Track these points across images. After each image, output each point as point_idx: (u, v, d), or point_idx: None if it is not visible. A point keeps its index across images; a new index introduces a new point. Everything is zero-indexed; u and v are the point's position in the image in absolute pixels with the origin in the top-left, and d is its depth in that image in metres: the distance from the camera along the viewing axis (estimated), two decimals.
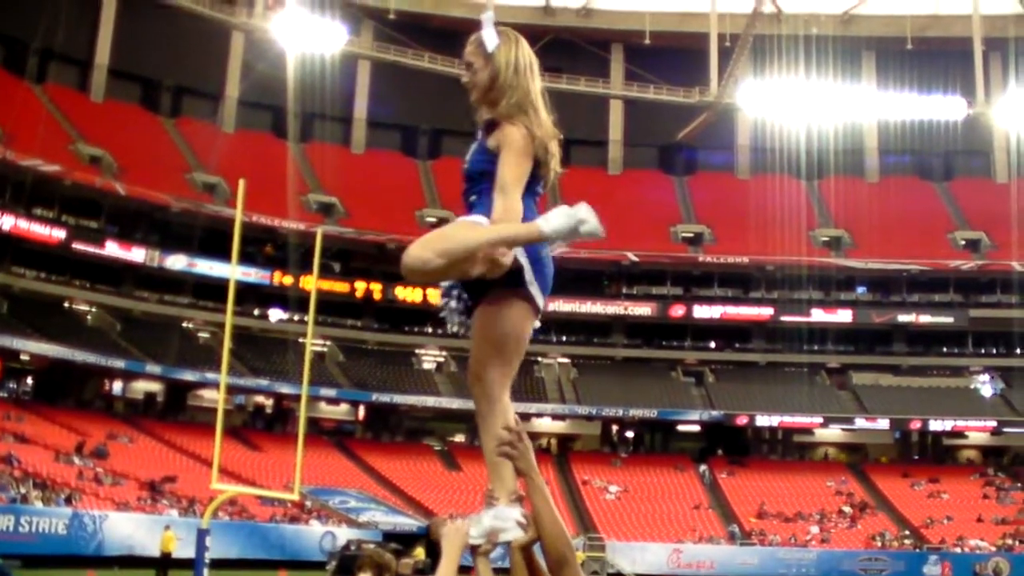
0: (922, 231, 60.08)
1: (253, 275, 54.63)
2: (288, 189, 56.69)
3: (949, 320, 59.23)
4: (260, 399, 57.07)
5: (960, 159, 67.65)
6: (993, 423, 55.56)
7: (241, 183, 25.51)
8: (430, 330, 57.97)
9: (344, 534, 40.32)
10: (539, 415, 56.56)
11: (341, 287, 57.01)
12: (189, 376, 51.44)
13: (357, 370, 57.32)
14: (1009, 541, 46.93)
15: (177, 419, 52.93)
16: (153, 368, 50.77)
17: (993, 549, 46.22)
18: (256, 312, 56.64)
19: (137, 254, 53.48)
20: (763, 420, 56.96)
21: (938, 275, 59.19)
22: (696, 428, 58.96)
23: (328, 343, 58.00)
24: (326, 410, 57.73)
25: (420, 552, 24.91)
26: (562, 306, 54.85)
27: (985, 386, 57.72)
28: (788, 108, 61.02)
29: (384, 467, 52.71)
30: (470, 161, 3.73)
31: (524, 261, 3.53)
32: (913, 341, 60.17)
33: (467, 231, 3.42)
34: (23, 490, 35.57)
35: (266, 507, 42.64)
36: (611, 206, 52.65)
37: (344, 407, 58.63)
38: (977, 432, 57.07)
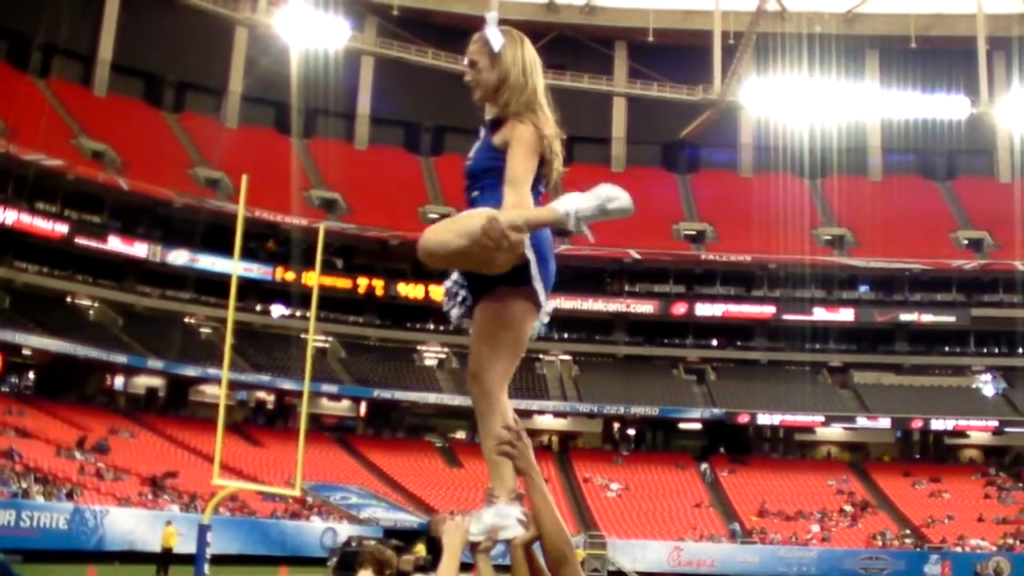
0: (925, 230, 60.05)
1: (255, 271, 54.69)
2: (291, 185, 56.73)
3: (951, 319, 59.20)
4: (262, 395, 57.09)
5: (963, 158, 67.59)
6: (995, 423, 55.54)
7: (244, 179, 25.55)
8: (432, 327, 58.01)
9: (345, 530, 40.33)
10: (540, 412, 56.58)
11: (343, 283, 57.08)
12: (191, 371, 51.46)
13: (359, 366, 57.35)
14: (1010, 541, 46.91)
15: (179, 414, 52.99)
16: (155, 363, 50.79)
17: (994, 549, 46.19)
18: (258, 308, 56.68)
19: (139, 249, 53.49)
20: (764, 418, 56.97)
21: (940, 274, 59.17)
22: (697, 426, 59.00)
23: (330, 339, 58.01)
24: (327, 406, 57.77)
25: (421, 549, 24.89)
26: (564, 303, 54.78)
27: (987, 386, 57.69)
28: (791, 106, 60.99)
29: (385, 463, 52.73)
30: (474, 158, 3.72)
31: (531, 255, 3.52)
32: (915, 340, 60.15)
33: (485, 214, 3.36)
34: (24, 485, 35.61)
35: (267, 503, 42.68)
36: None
37: (345, 403, 58.67)
38: (979, 432, 57.05)
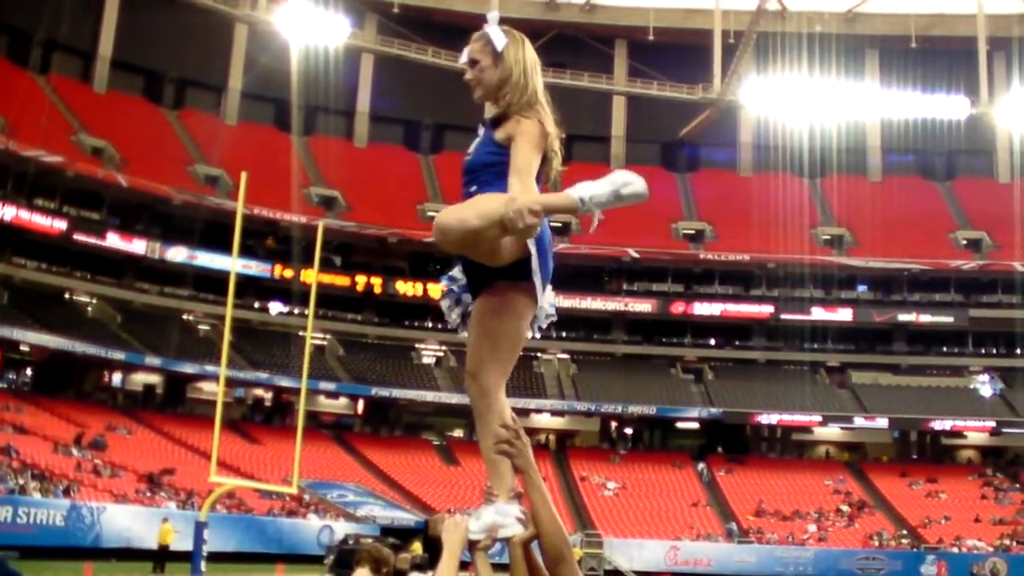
0: (924, 230, 60.06)
1: (254, 268, 54.71)
2: (290, 182, 56.71)
3: (949, 320, 59.21)
4: (259, 392, 57.06)
5: (963, 159, 67.60)
6: (992, 423, 55.53)
7: (243, 176, 25.52)
8: (430, 325, 57.98)
9: (342, 528, 40.30)
10: (538, 411, 56.56)
11: (342, 281, 57.07)
12: (189, 368, 51.43)
13: (356, 364, 57.34)
14: (1007, 541, 46.93)
15: (176, 411, 52.96)
16: (153, 360, 50.76)
17: (991, 549, 46.20)
18: (256, 305, 56.65)
19: (138, 246, 53.44)
20: (762, 418, 56.98)
21: (939, 275, 59.18)
22: (695, 425, 59.01)
23: (328, 337, 58.00)
24: (325, 404, 57.74)
25: (417, 547, 24.91)
26: (562, 302, 53.88)
27: (985, 386, 57.67)
28: (791, 106, 61.01)
29: (383, 461, 52.72)
30: (475, 153, 3.75)
31: (533, 249, 3.53)
32: (913, 340, 60.17)
33: (502, 197, 3.37)
34: (21, 481, 35.58)
35: (264, 500, 42.65)
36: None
37: (343, 401, 58.66)
38: (976, 432, 57.06)
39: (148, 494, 39.80)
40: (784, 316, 58.96)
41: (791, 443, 60.23)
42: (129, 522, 36.02)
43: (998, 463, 56.73)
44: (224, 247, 43.40)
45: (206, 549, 27.65)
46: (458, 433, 58.31)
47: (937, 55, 63.36)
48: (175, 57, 61.60)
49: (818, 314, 58.85)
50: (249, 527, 39.94)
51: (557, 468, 53.97)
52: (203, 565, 27.37)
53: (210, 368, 48.03)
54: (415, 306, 57.77)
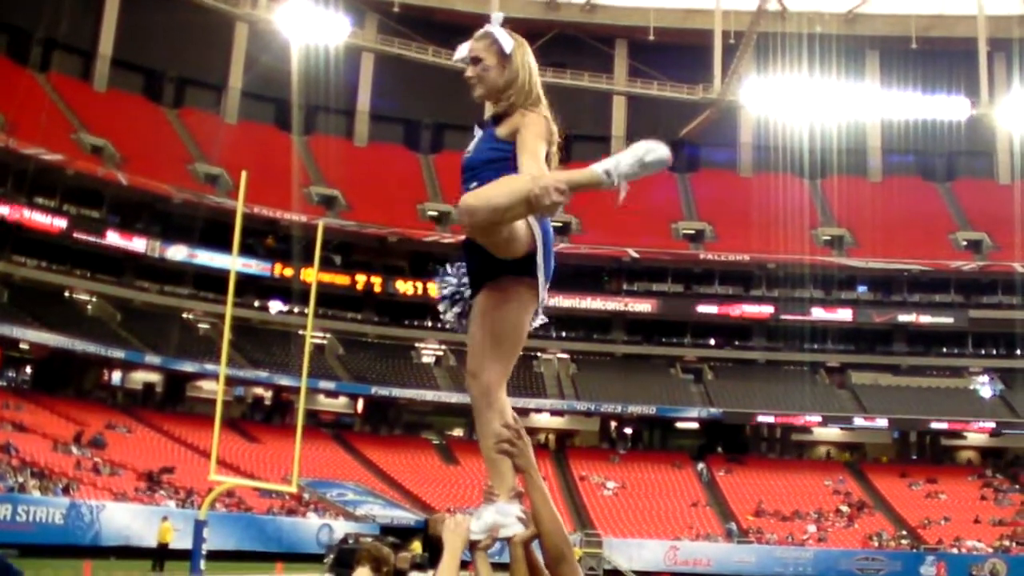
0: (924, 231, 60.05)
1: (254, 267, 54.71)
2: (290, 181, 56.70)
3: (949, 321, 59.19)
4: (259, 391, 57.05)
5: (963, 160, 67.61)
6: (992, 424, 55.51)
7: (243, 175, 25.55)
8: (430, 324, 57.92)
9: (341, 527, 40.29)
10: (538, 411, 56.53)
11: (342, 280, 57.06)
12: (188, 367, 51.41)
13: (356, 363, 57.34)
14: (1006, 543, 46.91)
15: (176, 410, 52.94)
16: (152, 359, 50.76)
17: (990, 550, 46.18)
18: (256, 304, 56.64)
19: (138, 244, 53.43)
20: (762, 418, 56.97)
21: (939, 275, 59.16)
22: (695, 425, 58.99)
23: (328, 336, 58.00)
24: (325, 403, 57.74)
25: (417, 546, 24.92)
26: (562, 302, 54.72)
27: (984, 387, 57.66)
28: (791, 106, 60.99)
29: (382, 460, 52.72)
30: (476, 149, 3.77)
31: (539, 244, 3.55)
32: (913, 341, 60.15)
33: (526, 175, 3.35)
34: (21, 479, 35.56)
35: (264, 499, 42.64)
36: (612, 202, 52.56)
37: (343, 400, 58.65)
38: (976, 433, 57.05)
39: (148, 492, 39.80)
40: (784, 316, 58.95)
41: (791, 443, 60.23)
42: (128, 520, 36.01)
43: (998, 464, 56.71)
44: (224, 246, 43.38)
45: (205, 548, 27.68)
46: (458, 432, 58.31)
47: (937, 56, 63.36)
48: (175, 56, 61.57)
49: (818, 314, 58.85)
50: (248, 526, 39.93)
51: (556, 468, 53.95)
52: (202, 564, 27.41)
53: (210, 367, 48.01)
54: (415, 305, 57.75)
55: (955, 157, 67.26)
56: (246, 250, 51.24)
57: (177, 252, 54.11)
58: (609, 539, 45.03)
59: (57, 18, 53.05)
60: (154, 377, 54.65)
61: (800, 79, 60.41)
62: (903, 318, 59.32)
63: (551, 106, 3.78)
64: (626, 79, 66.26)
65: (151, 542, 32.70)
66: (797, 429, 59.01)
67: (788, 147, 62.55)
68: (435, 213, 60.06)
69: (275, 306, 57.17)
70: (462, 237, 3.77)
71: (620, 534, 46.88)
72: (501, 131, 3.67)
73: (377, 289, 58.29)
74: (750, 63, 61.02)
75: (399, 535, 32.69)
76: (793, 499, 52.11)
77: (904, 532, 49.04)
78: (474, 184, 3.60)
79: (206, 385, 53.02)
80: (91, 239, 51.84)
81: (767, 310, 59.60)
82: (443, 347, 59.11)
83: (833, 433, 59.64)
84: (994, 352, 59.55)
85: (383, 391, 55.64)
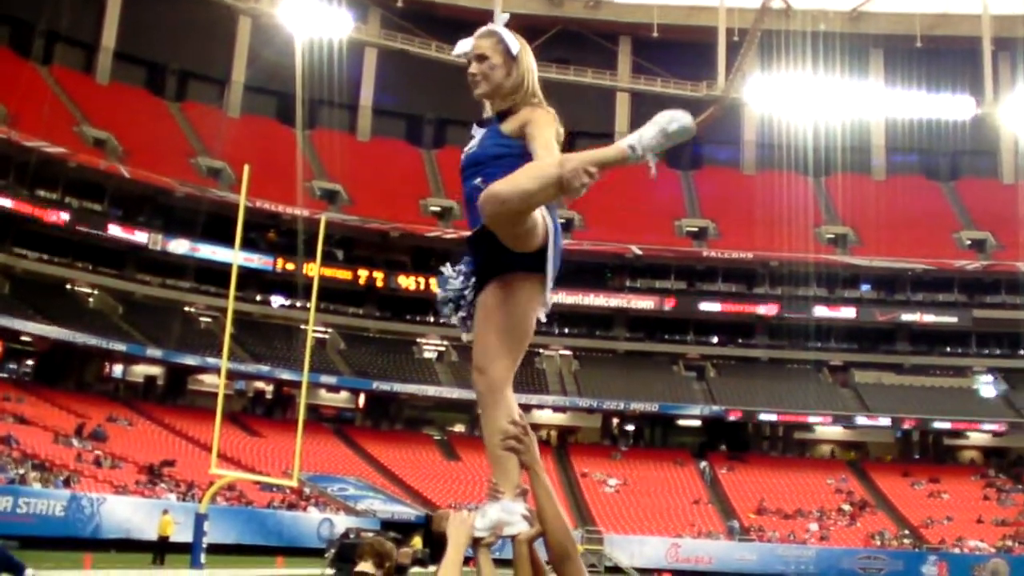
0: (928, 230, 59.98)
1: (256, 261, 54.70)
2: (293, 175, 56.67)
3: (953, 320, 59.12)
4: (260, 385, 57.09)
5: (967, 159, 67.55)
6: (995, 424, 55.48)
7: (246, 168, 25.51)
8: (431, 319, 57.95)
9: (342, 522, 40.28)
10: (540, 407, 56.51)
11: (344, 274, 57.04)
12: (190, 360, 51.41)
13: (358, 358, 57.31)
14: (1009, 543, 46.85)
15: (177, 403, 52.98)
16: (154, 352, 50.75)
17: (992, 550, 46.09)
18: (258, 298, 56.67)
19: (140, 237, 53.42)
20: (764, 416, 56.93)
21: (943, 275, 59.09)
22: (697, 423, 58.99)
23: (329, 330, 57.98)
24: (326, 397, 57.79)
25: (417, 541, 24.90)
26: (565, 298, 54.70)
27: (987, 387, 57.63)
28: (795, 104, 60.95)
29: (383, 455, 52.71)
30: (480, 146, 3.74)
31: (551, 239, 3.50)
32: (916, 340, 60.10)
33: (551, 161, 3.30)
34: (22, 471, 35.54)
35: (264, 493, 42.64)
36: (616, 199, 52.59)
37: (344, 395, 58.66)
38: (979, 433, 57.03)
39: (148, 485, 39.78)
40: (787, 314, 58.87)
41: (793, 441, 60.17)
42: (129, 513, 35.99)
43: (1001, 464, 56.66)
44: (226, 239, 43.29)
45: (206, 541, 27.66)
46: (459, 428, 58.33)
47: (942, 55, 63.26)
48: (178, 49, 61.59)
49: (821, 313, 58.78)
50: (249, 519, 39.92)
51: (558, 464, 53.89)
52: (203, 557, 27.38)
53: (211, 360, 48.03)
54: (417, 300, 57.72)
55: (959, 156, 67.20)
56: (248, 244, 51.22)
57: (179, 245, 54.12)
58: (610, 536, 45.03)
59: (59, 10, 53.05)
60: (155, 370, 54.68)
61: (804, 77, 60.35)
62: (906, 317, 59.25)
63: (552, 104, 3.78)
64: (630, 76, 66.19)
65: (152, 535, 32.67)
66: (799, 427, 58.99)
67: (792, 145, 62.47)
68: (437, 208, 60.04)
69: (277, 300, 57.30)
70: (465, 233, 3.74)
71: (621, 531, 46.87)
72: (507, 127, 3.66)
73: (379, 284, 58.28)
74: (754, 60, 60.97)
75: (400, 530, 32.70)
76: (795, 497, 52.07)
77: (906, 531, 48.99)
78: (478, 179, 3.58)
79: (207, 379, 53.05)
80: (93, 232, 51.86)
81: (770, 308, 59.54)
82: (445, 342, 59.08)
83: (836, 432, 59.63)
84: (997, 352, 59.50)
85: (384, 386, 55.61)
